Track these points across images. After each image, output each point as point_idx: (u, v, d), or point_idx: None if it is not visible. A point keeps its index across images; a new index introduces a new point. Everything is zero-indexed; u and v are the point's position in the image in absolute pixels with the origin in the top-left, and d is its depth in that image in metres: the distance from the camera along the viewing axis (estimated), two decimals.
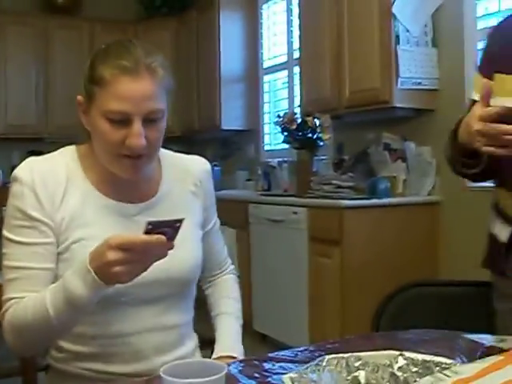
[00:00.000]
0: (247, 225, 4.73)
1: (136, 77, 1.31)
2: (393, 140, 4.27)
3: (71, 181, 1.40)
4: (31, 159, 1.41)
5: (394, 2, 3.78)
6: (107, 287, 1.21)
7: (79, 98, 1.40)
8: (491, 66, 1.47)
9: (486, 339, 1.30)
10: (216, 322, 1.63)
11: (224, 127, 5.91)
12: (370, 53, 3.95)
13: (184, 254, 1.44)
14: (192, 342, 1.56)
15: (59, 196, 1.38)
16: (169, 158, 1.58)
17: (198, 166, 1.62)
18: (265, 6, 5.89)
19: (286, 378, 0.96)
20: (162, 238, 1.14)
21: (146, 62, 1.33)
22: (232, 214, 4.79)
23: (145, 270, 1.19)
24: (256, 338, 4.61)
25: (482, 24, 3.72)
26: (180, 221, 1.17)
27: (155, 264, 1.22)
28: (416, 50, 3.87)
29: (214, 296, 1.68)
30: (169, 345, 1.45)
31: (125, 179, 1.42)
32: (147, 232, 1.14)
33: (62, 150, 1.47)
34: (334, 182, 4.06)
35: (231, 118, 5.91)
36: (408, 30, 3.84)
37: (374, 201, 3.87)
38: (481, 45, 3.68)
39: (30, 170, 1.37)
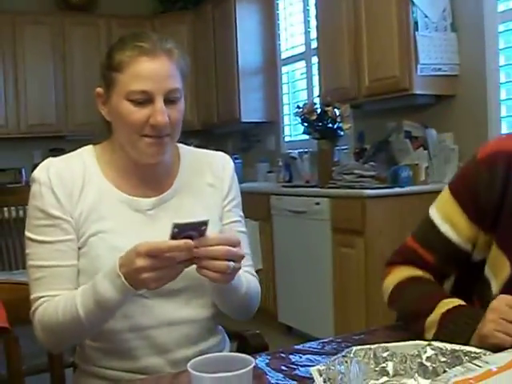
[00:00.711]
0: (270, 217, 4.73)
1: (154, 57, 1.36)
2: (414, 127, 4.22)
3: (88, 177, 1.43)
4: (48, 160, 1.44)
5: None
6: (136, 291, 1.25)
7: (98, 89, 1.44)
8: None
9: None
10: None
11: (244, 120, 5.90)
12: (389, 40, 3.91)
13: None
14: (215, 337, 1.53)
15: (76, 192, 1.41)
16: (189, 153, 1.58)
17: (220, 160, 1.60)
18: None
19: (314, 370, 0.95)
20: (189, 242, 1.17)
21: (162, 44, 1.38)
22: (254, 206, 4.78)
23: (176, 275, 1.23)
24: (281, 330, 4.61)
25: (502, 6, 3.66)
26: (205, 223, 1.18)
27: None
28: (435, 35, 3.83)
29: None
30: (190, 339, 1.44)
31: (141, 172, 1.46)
32: (173, 235, 1.15)
33: (80, 149, 1.50)
34: (356, 171, 4.04)
35: (250, 110, 5.89)
36: (426, 16, 3.80)
37: (397, 189, 3.84)
38: (502, 28, 3.63)
39: (46, 170, 1.40)
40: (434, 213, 1.43)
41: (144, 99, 1.35)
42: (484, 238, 1.37)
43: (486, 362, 0.73)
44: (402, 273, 1.43)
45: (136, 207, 1.44)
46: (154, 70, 1.35)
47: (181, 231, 1.15)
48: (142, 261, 1.17)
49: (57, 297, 1.35)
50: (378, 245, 3.68)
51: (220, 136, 6.75)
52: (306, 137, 4.83)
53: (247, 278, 1.50)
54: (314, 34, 5.09)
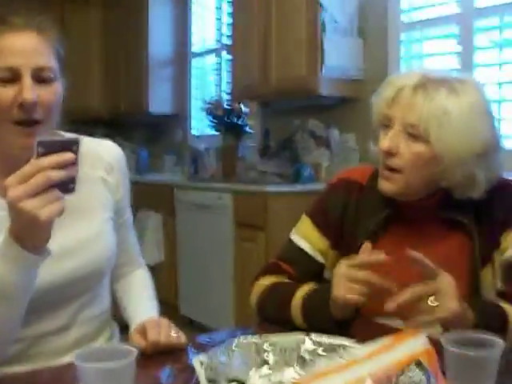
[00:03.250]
0: (173, 209, 4.73)
1: (21, 32, 1.26)
2: (318, 127, 4.33)
3: None
4: None
5: None
6: (30, 258, 1.08)
7: None
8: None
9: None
10: (129, 307, 1.55)
11: (151, 110, 5.85)
12: (297, 41, 3.99)
13: (99, 246, 1.40)
14: (111, 329, 1.54)
15: None
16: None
17: (109, 151, 1.51)
18: None
19: (195, 361, 0.99)
20: (61, 156, 1.02)
21: (35, 20, 1.29)
22: (158, 198, 4.79)
23: (59, 202, 1.03)
24: (183, 323, 4.63)
25: (405, 17, 3.82)
26: (76, 142, 1.04)
27: (68, 264, 1.20)
28: (342, 39, 3.93)
29: (125, 290, 1.60)
30: (88, 337, 1.43)
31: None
32: (39, 156, 1.01)
33: None
34: (260, 167, 4.11)
35: (159, 101, 5.84)
36: (335, 20, 3.90)
37: (298, 187, 3.94)
38: (404, 37, 3.78)
39: None
40: (293, 234, 1.65)
41: (11, 77, 1.23)
42: (332, 254, 1.58)
43: (350, 355, 0.78)
44: (262, 284, 1.58)
45: None
46: (21, 44, 1.25)
47: (47, 150, 1.01)
48: (13, 190, 1.01)
49: None
50: (279, 239, 3.74)
51: (127, 126, 6.66)
52: (214, 131, 4.87)
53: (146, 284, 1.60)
54: (225, 30, 5.14)
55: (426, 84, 1.41)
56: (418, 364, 0.74)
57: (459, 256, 1.49)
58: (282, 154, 4.40)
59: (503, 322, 1.32)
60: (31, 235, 1.06)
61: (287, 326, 1.39)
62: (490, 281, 1.48)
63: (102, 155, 1.47)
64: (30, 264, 1.09)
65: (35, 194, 1.00)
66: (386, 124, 1.47)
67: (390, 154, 1.44)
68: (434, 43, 3.73)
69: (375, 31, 3.94)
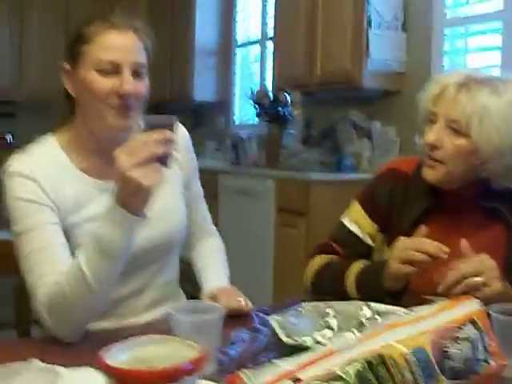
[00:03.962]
0: (216, 194, 4.87)
1: (122, 31, 1.43)
2: (359, 118, 4.44)
3: (62, 171, 1.45)
4: (17, 156, 1.43)
5: None
6: (134, 220, 1.22)
7: (64, 65, 1.47)
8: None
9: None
10: (202, 271, 1.71)
11: (196, 98, 6.03)
12: (343, 34, 4.11)
13: (171, 219, 1.57)
14: (179, 298, 1.69)
15: (56, 185, 1.41)
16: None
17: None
18: None
19: (271, 318, 1.14)
20: (163, 133, 1.17)
21: (130, 22, 1.46)
22: (202, 183, 4.92)
23: (160, 173, 1.19)
24: None
25: (450, 13, 3.91)
26: (174, 119, 1.19)
27: (144, 233, 1.32)
28: (386, 33, 4.04)
29: (200, 254, 1.76)
30: (158, 302, 1.58)
31: (108, 152, 1.43)
32: (145, 131, 1.16)
33: (40, 142, 1.50)
34: (302, 155, 4.24)
35: (203, 89, 6.02)
36: (380, 14, 4.00)
37: (340, 176, 4.07)
38: (447, 32, 3.87)
39: (22, 163, 1.40)
40: (344, 218, 1.78)
41: (112, 70, 1.40)
42: (380, 237, 1.72)
43: (398, 316, 0.92)
44: (317, 261, 1.73)
45: (110, 190, 1.45)
46: (122, 41, 1.42)
47: (150, 126, 1.16)
48: (123, 160, 1.16)
49: (57, 274, 1.30)
50: (319, 226, 3.88)
51: (170, 112, 6.77)
52: (255, 120, 5.00)
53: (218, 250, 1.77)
54: (270, 21, 5.26)
55: (470, 83, 1.54)
56: (473, 322, 0.87)
57: (496, 244, 1.61)
58: (324, 143, 4.52)
59: None
60: (135, 200, 1.21)
61: (341, 299, 1.52)
62: None
63: None
64: (132, 225, 1.23)
65: (140, 165, 1.15)
66: (431, 119, 1.60)
67: (434, 146, 1.57)
68: (477, 39, 3.81)
69: (419, 26, 4.03)
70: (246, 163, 5.07)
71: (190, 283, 1.73)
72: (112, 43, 1.41)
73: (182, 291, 1.74)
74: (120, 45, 1.42)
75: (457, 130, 1.54)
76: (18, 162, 1.41)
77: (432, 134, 1.57)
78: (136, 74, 1.43)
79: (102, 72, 1.40)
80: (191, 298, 1.72)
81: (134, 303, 1.54)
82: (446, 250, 1.39)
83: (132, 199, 1.20)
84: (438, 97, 1.58)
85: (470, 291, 1.35)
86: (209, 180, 5.01)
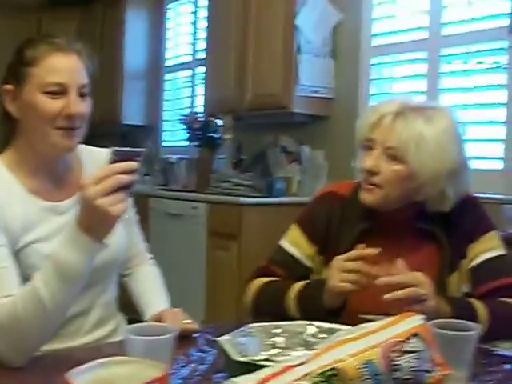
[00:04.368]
0: (147, 218, 4.85)
1: (67, 53, 1.45)
2: (289, 143, 4.53)
3: (9, 192, 1.44)
4: None
5: (298, 14, 4.05)
6: (98, 247, 1.24)
7: (7, 86, 1.47)
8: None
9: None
10: (143, 295, 1.74)
11: (124, 122, 6.00)
12: (273, 59, 4.20)
13: (117, 237, 1.56)
14: (118, 317, 1.71)
15: (4, 207, 1.40)
16: (84, 149, 1.67)
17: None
18: (170, 5, 6.03)
19: (221, 339, 1.16)
20: (131, 163, 1.20)
21: (74, 44, 1.49)
22: None
23: (125, 202, 1.21)
24: None
25: (376, 41, 4.06)
26: (141, 153, 1.23)
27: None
28: (315, 60, 4.15)
29: (139, 279, 1.78)
30: (101, 322, 1.60)
31: (53, 171, 1.52)
32: (112, 162, 1.19)
33: None
34: (234, 179, 4.28)
35: (132, 113, 6.01)
36: (309, 41, 4.11)
37: (271, 199, 4.14)
38: (375, 60, 4.02)
39: None
40: (283, 240, 1.83)
41: (59, 91, 1.42)
42: (318, 259, 1.77)
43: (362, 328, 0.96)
44: (257, 283, 1.77)
45: (58, 212, 1.50)
46: (67, 64, 1.45)
47: (119, 158, 1.19)
48: (91, 190, 1.17)
49: (10, 297, 1.28)
50: (251, 249, 3.93)
51: (99, 135, 6.72)
52: (184, 143, 5.02)
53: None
54: (200, 45, 5.32)
55: (405, 112, 1.61)
56: (418, 336, 0.92)
57: (430, 263, 1.69)
58: (255, 167, 4.59)
59: (473, 312, 1.52)
60: (100, 228, 1.23)
61: (282, 319, 1.56)
62: (456, 286, 1.68)
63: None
64: (95, 253, 1.25)
65: (107, 193, 1.18)
66: (368, 145, 1.67)
67: (372, 172, 1.64)
68: (402, 68, 3.97)
69: (347, 53, 4.17)
70: (175, 187, 5.08)
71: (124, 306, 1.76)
72: (58, 65, 1.44)
73: (121, 315, 1.75)
74: (66, 67, 1.44)
75: (394, 156, 1.60)
76: None
77: (370, 160, 1.63)
78: (81, 94, 1.47)
79: (49, 94, 1.43)
80: (129, 321, 1.75)
81: (80, 322, 1.54)
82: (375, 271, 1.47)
83: (97, 227, 1.22)
84: (375, 125, 1.64)
85: (410, 299, 1.41)
86: (139, 204, 4.99)
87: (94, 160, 1.64)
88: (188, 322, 1.50)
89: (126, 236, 1.66)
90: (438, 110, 1.64)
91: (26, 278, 1.33)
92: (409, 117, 1.60)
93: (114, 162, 1.19)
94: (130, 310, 1.73)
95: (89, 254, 1.24)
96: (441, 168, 1.59)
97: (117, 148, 1.20)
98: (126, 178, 1.19)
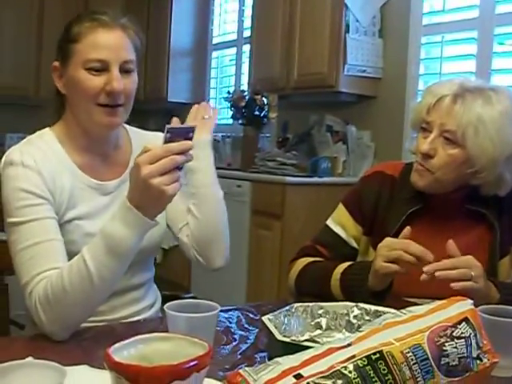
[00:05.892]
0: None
1: (110, 29, 1.44)
2: (335, 122, 4.49)
3: (60, 164, 1.45)
4: (19, 146, 1.44)
5: None
6: (148, 224, 1.23)
7: (54, 63, 1.49)
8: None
9: None
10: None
11: (170, 99, 6.01)
12: (320, 38, 4.15)
13: (163, 219, 1.60)
14: (154, 294, 1.70)
15: (56, 178, 1.42)
16: (135, 133, 1.67)
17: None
18: None
19: (265, 318, 1.15)
20: (186, 143, 1.20)
21: (118, 19, 1.48)
22: None
23: (179, 178, 1.22)
24: None
25: (426, 20, 3.96)
26: (193, 129, 1.22)
27: None
28: (363, 39, 4.10)
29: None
30: (135, 300, 1.59)
31: (100, 149, 1.52)
32: (166, 140, 1.19)
33: (38, 134, 1.51)
34: (278, 158, 4.26)
35: (178, 90, 6.02)
36: (357, 20, 4.05)
37: (315, 179, 4.10)
38: (424, 40, 3.93)
39: (26, 153, 1.40)
40: (329, 220, 1.80)
41: (100, 68, 1.42)
42: (365, 240, 1.75)
43: (410, 311, 0.94)
44: (301, 262, 1.74)
45: (103, 191, 1.51)
46: (110, 40, 1.43)
47: (173, 136, 1.19)
48: (146, 168, 1.17)
49: (56, 269, 1.27)
50: (294, 229, 3.92)
51: (144, 113, 6.79)
52: (230, 121, 5.00)
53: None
54: (247, 23, 5.28)
55: (465, 94, 1.56)
56: (467, 321, 0.89)
57: (480, 246, 1.65)
58: (300, 146, 4.56)
59: None
60: (154, 206, 1.24)
61: (326, 300, 1.54)
62: (506, 272, 1.64)
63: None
64: (146, 229, 1.25)
65: (163, 173, 1.18)
66: (425, 128, 1.63)
67: (427, 155, 1.60)
68: (453, 47, 3.88)
69: (396, 32, 4.09)
70: (220, 165, 5.07)
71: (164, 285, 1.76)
72: (100, 42, 1.43)
73: (158, 290, 1.75)
74: (108, 43, 1.43)
75: (451, 139, 1.56)
76: (20, 152, 1.40)
77: (426, 143, 1.60)
78: (124, 70, 1.45)
79: (91, 70, 1.42)
80: (166, 299, 1.75)
81: (115, 301, 1.53)
82: (431, 256, 1.42)
83: (150, 205, 1.22)
84: (433, 107, 1.60)
85: (461, 280, 1.39)
86: None
87: (142, 143, 1.62)
88: (207, 118, 1.60)
89: (164, 220, 1.65)
90: (497, 91, 1.59)
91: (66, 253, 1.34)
92: (467, 99, 1.55)
93: (169, 139, 1.19)
94: (166, 286, 1.72)
95: (139, 230, 1.23)
96: (500, 152, 1.55)
97: (171, 126, 1.20)
98: (181, 158, 1.20)
